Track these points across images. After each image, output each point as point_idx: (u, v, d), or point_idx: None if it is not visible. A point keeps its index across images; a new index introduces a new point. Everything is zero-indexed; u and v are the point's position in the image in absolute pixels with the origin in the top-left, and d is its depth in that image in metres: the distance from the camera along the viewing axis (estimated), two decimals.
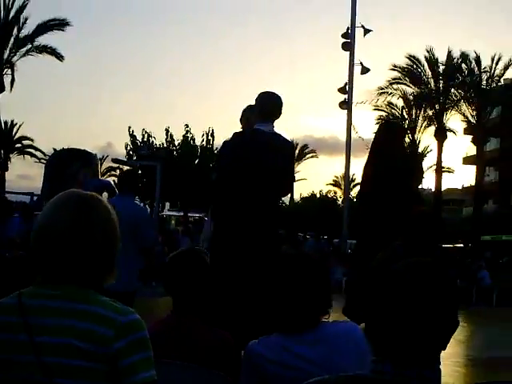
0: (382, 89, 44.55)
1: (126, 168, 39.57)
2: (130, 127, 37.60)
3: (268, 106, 6.65)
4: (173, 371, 3.23)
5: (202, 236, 10.62)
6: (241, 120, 7.97)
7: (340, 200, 53.39)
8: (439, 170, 45.36)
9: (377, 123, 37.88)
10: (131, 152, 37.54)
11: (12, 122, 54.23)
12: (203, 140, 36.84)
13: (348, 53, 23.70)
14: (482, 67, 44.72)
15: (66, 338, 2.24)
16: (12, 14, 35.68)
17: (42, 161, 48.57)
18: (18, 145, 55.52)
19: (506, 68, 44.86)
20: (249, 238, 6.16)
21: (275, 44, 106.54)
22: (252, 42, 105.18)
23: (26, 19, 35.94)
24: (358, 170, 65.31)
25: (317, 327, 3.11)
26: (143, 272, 10.22)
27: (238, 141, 6.57)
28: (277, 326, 3.16)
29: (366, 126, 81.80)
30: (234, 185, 6.29)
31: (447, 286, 2.23)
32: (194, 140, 37.97)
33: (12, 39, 35.73)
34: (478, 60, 44.51)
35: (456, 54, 44.29)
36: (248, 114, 7.47)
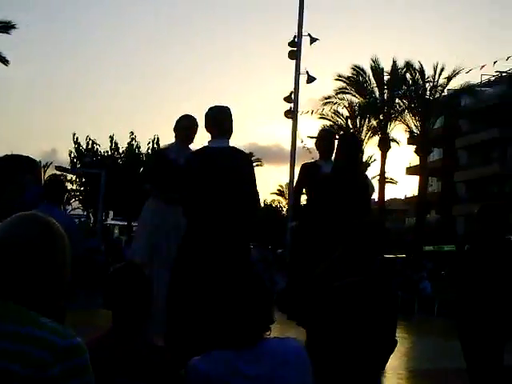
0: (327, 98, 44.92)
1: (69, 176, 39.38)
2: (74, 134, 37.31)
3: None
4: None
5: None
6: (176, 129, 8.25)
7: (284, 209, 53.59)
8: (382, 180, 45.80)
9: None
10: (75, 160, 37.16)
11: None
12: (149, 148, 36.59)
13: (294, 61, 23.80)
14: (426, 77, 45.37)
15: (7, 363, 2.11)
16: None
17: None
18: None
19: (449, 78, 45.54)
20: (220, 254, 6.30)
21: (222, 51, 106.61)
22: (199, 49, 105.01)
23: None
24: None
25: (259, 343, 3.06)
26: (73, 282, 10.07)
27: (209, 158, 6.67)
28: (219, 341, 3.10)
29: (312, 135, 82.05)
30: (210, 202, 6.51)
31: (384, 311, 2.20)
32: (139, 148, 37.78)
33: None
34: (421, 70, 45.15)
35: (401, 63, 44.90)
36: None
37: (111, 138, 37.73)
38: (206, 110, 6.98)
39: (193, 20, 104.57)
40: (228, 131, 6.82)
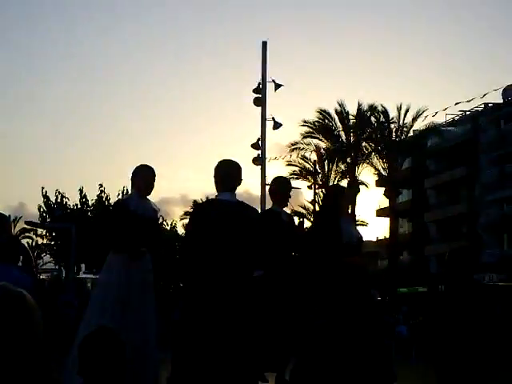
0: (294, 144, 45.19)
1: (39, 231, 39.14)
2: (43, 188, 37.07)
3: (238, 178, 7.06)
4: None
5: None
6: (134, 179, 8.44)
7: None
8: (353, 222, 45.84)
9: (290, 177, 38.22)
10: (44, 214, 36.94)
11: None
12: (119, 199, 36.40)
13: (260, 108, 23.90)
14: (390, 118, 45.79)
15: None
16: None
17: None
18: None
19: (414, 119, 46.07)
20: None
21: (190, 99, 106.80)
22: (166, 97, 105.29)
23: None
24: None
25: None
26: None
27: (223, 213, 6.83)
28: None
29: None
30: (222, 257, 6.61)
31: None
32: (108, 199, 37.63)
33: None
34: (385, 112, 45.57)
35: (366, 106, 45.27)
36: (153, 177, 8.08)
37: (80, 190, 37.63)
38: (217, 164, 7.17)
39: (157, 62, 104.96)
40: (235, 187, 7.02)
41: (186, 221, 10.28)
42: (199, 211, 7.46)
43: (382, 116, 45.70)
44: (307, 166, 46.71)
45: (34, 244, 38.78)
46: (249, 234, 6.76)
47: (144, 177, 9.27)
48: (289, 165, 45.67)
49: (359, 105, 45.12)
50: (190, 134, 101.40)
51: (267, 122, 23.85)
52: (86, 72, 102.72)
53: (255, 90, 23.84)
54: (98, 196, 37.57)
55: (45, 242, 38.93)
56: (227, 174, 6.99)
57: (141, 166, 9.51)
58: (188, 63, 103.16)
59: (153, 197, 8.20)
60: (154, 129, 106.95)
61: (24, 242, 40.60)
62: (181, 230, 44.36)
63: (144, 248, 8.89)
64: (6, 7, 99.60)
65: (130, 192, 9.55)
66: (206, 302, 6.59)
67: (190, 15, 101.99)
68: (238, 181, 7.09)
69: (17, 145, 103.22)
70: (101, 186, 37.62)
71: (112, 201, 37.21)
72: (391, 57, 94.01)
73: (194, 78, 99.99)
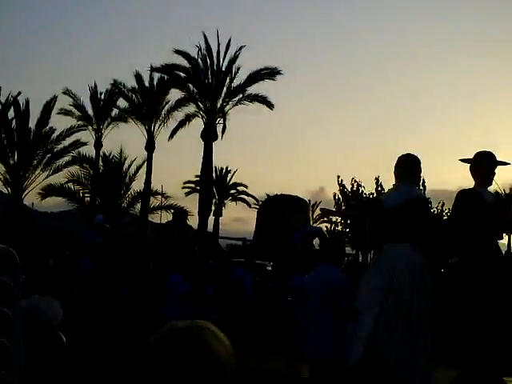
0: None
1: (334, 218, 40.01)
2: (338, 176, 37.71)
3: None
4: None
5: None
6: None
7: None
8: None
9: None
10: (339, 202, 37.61)
11: (226, 168, 56.13)
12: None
13: None
14: None
15: None
16: (225, 64, 36.92)
17: (254, 206, 49.74)
18: (232, 191, 57.25)
19: None
20: None
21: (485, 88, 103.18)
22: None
23: (238, 69, 37.02)
24: None
25: None
26: None
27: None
28: None
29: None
30: None
31: None
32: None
33: (224, 89, 36.89)
34: None
35: None
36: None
37: (377, 179, 37.67)
38: None
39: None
40: None
41: None
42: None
43: None
44: None
45: (331, 229, 39.55)
46: None
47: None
48: None
49: None
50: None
51: None
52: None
53: None
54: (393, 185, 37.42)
55: (339, 229, 39.59)
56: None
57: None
58: None
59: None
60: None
61: (322, 226, 41.62)
62: None
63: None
64: None
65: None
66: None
67: None
68: None
69: (314, 133, 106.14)
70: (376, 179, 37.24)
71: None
72: None
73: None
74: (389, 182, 9.91)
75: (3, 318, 2.00)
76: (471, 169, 9.40)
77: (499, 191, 9.60)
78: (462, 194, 9.23)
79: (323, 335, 7.40)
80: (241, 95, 37.04)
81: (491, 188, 8.94)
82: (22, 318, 2.14)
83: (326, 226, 41.20)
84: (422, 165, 8.89)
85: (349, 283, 8.07)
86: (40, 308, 3.39)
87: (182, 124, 37.86)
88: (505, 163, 9.80)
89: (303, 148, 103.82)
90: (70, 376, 2.83)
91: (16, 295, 2.01)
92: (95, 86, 39.42)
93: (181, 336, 1.91)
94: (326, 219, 44.88)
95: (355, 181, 37.76)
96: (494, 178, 8.79)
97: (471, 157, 9.21)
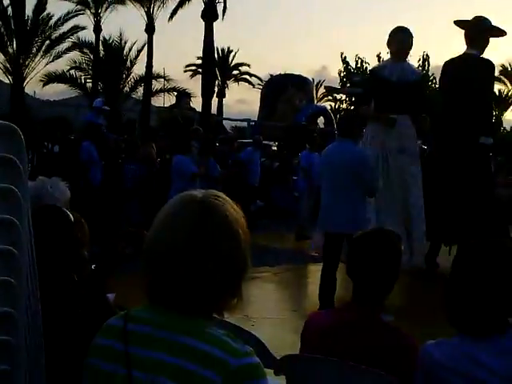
0: None
1: (339, 96, 39.69)
2: (342, 53, 37.19)
3: None
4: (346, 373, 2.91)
5: None
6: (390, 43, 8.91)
7: None
8: None
9: None
10: (344, 79, 37.21)
11: (228, 48, 55.27)
12: (419, 66, 35.41)
13: None
14: None
15: (166, 379, 1.83)
16: None
17: (258, 87, 49.33)
18: (235, 71, 56.58)
19: None
20: None
21: None
22: None
23: None
24: None
25: (507, 333, 2.61)
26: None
27: None
28: (458, 326, 2.68)
29: None
30: None
31: None
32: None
33: None
34: None
35: None
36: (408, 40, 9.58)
37: (378, 56, 37.14)
38: None
39: None
40: None
41: None
42: None
43: None
44: None
45: (335, 107, 39.33)
46: None
47: (399, 40, 8.91)
48: None
49: None
50: None
51: None
52: None
53: None
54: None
55: (344, 106, 39.36)
56: None
57: (396, 28, 9.06)
58: None
59: None
60: None
61: (326, 104, 41.31)
62: None
63: (396, 115, 8.72)
64: None
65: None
66: None
67: None
68: None
69: (319, 10, 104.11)
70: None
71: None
72: None
73: None
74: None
75: (12, 195, 1.99)
76: (467, 32, 9.36)
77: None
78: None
79: (347, 210, 7.43)
80: None
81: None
82: (28, 197, 2.13)
83: (331, 105, 40.98)
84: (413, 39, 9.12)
85: (370, 158, 8.10)
86: (46, 187, 3.40)
87: (181, 4, 37.29)
88: (502, 31, 9.69)
89: (305, 26, 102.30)
90: (77, 250, 2.84)
91: (22, 171, 2.00)
92: None
93: (198, 204, 1.94)
94: (330, 97, 44.56)
95: (359, 57, 37.34)
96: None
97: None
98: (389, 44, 9.11)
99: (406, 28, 9.13)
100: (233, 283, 1.94)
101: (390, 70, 8.94)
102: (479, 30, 9.44)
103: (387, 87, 8.80)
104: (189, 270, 1.86)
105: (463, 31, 9.71)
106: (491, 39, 9.57)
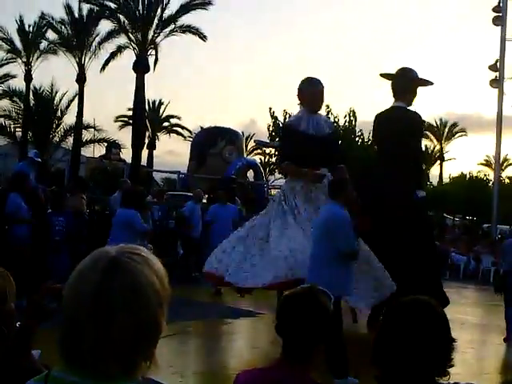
0: None
1: (268, 150, 40.00)
2: (270, 108, 37.52)
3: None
4: None
5: None
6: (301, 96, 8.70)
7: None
8: None
9: None
10: (273, 133, 37.56)
11: (160, 101, 55.38)
12: (345, 121, 35.89)
13: (499, 28, 22.78)
14: None
15: None
16: None
17: (188, 139, 49.41)
18: (166, 123, 56.62)
19: None
20: None
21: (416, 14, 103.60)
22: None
23: None
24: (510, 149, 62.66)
25: None
26: None
27: None
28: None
29: None
30: None
31: None
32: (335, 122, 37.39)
33: (156, 19, 36.14)
34: None
35: None
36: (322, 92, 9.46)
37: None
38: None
39: None
40: None
41: None
42: None
43: None
44: None
45: (265, 161, 39.59)
46: None
47: (311, 92, 8.78)
48: None
49: None
50: (426, 53, 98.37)
51: (507, 42, 22.78)
52: None
53: (495, 9, 22.73)
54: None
55: (273, 160, 39.63)
56: None
57: (306, 79, 8.88)
58: None
59: None
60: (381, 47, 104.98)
61: (256, 158, 41.59)
62: None
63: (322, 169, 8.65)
64: None
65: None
66: None
67: None
68: None
69: (247, 64, 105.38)
70: (327, 107, 37.17)
71: (340, 122, 36.69)
72: None
73: None
74: None
75: None
76: (393, 84, 9.48)
77: None
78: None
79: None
80: (173, 26, 36.47)
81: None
82: None
83: (260, 158, 41.31)
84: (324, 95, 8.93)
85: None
86: None
87: (113, 56, 37.16)
88: (428, 82, 9.87)
89: (234, 80, 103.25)
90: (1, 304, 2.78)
91: None
92: (21, 18, 38.35)
93: (110, 263, 1.78)
94: (260, 151, 44.90)
95: (287, 112, 37.76)
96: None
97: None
98: (301, 95, 8.99)
99: (317, 79, 9.04)
100: (142, 348, 1.78)
101: (307, 124, 8.82)
102: (405, 81, 9.56)
103: (306, 141, 8.67)
104: (94, 333, 1.71)
105: (389, 84, 9.82)
106: (420, 97, 9.71)
